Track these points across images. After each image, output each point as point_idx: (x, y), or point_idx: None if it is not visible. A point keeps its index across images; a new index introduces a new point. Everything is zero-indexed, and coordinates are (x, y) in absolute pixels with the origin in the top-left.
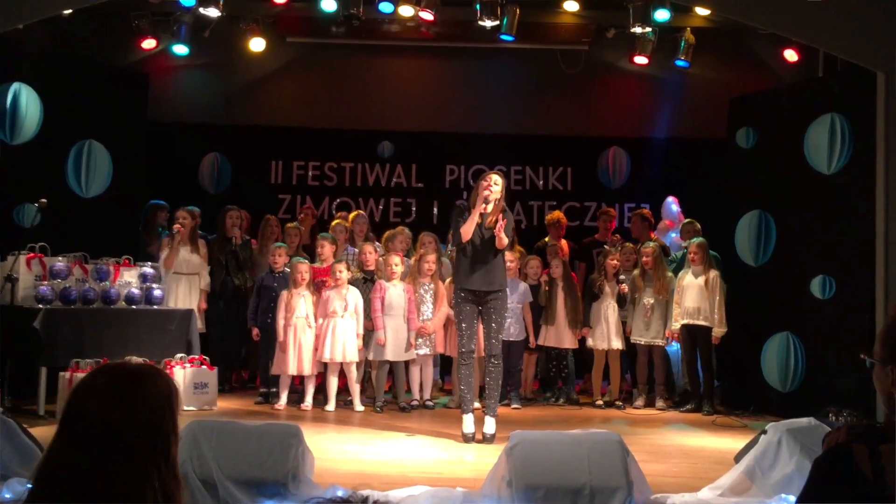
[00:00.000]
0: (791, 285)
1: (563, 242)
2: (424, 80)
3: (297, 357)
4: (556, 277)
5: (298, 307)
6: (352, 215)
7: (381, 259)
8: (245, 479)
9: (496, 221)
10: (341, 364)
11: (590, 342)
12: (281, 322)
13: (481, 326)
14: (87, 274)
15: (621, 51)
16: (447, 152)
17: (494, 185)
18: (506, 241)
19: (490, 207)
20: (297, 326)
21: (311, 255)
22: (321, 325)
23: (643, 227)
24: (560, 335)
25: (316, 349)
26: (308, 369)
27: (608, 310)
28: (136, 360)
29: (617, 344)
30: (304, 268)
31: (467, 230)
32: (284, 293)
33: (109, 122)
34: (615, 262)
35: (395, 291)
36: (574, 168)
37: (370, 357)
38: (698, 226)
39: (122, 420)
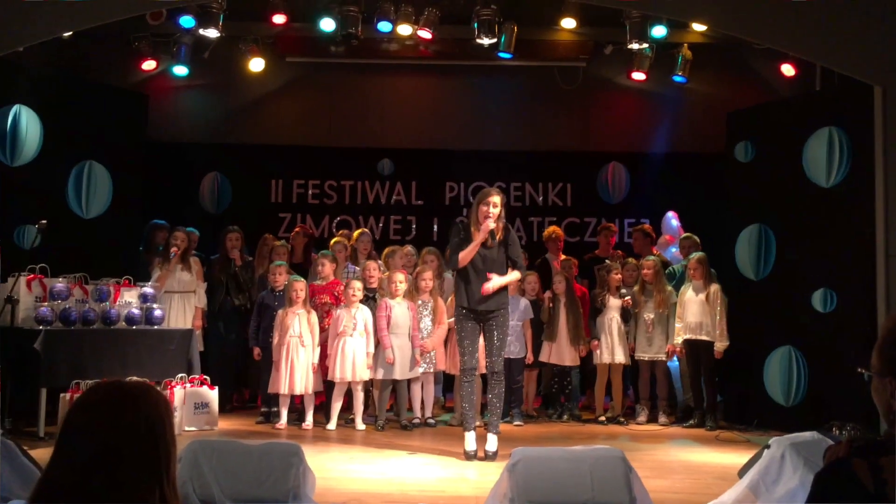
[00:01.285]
0: (792, 299)
1: (574, 262)
2: (423, 97)
3: (288, 376)
4: (559, 293)
5: (293, 326)
6: (356, 233)
7: (383, 277)
8: (246, 499)
9: (502, 239)
10: (347, 383)
11: (595, 357)
12: (274, 340)
13: (483, 343)
14: (88, 295)
15: (619, 67)
16: (447, 169)
17: (493, 208)
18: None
19: (492, 226)
20: (291, 345)
21: (304, 273)
22: (331, 344)
23: (645, 243)
24: (561, 352)
25: (327, 368)
26: (299, 388)
27: (611, 323)
28: (136, 379)
29: (620, 358)
30: (299, 286)
31: (465, 257)
32: (280, 312)
33: (110, 143)
34: (618, 276)
35: (399, 310)
36: (573, 184)
37: (378, 376)
38: (697, 240)
39: (121, 437)
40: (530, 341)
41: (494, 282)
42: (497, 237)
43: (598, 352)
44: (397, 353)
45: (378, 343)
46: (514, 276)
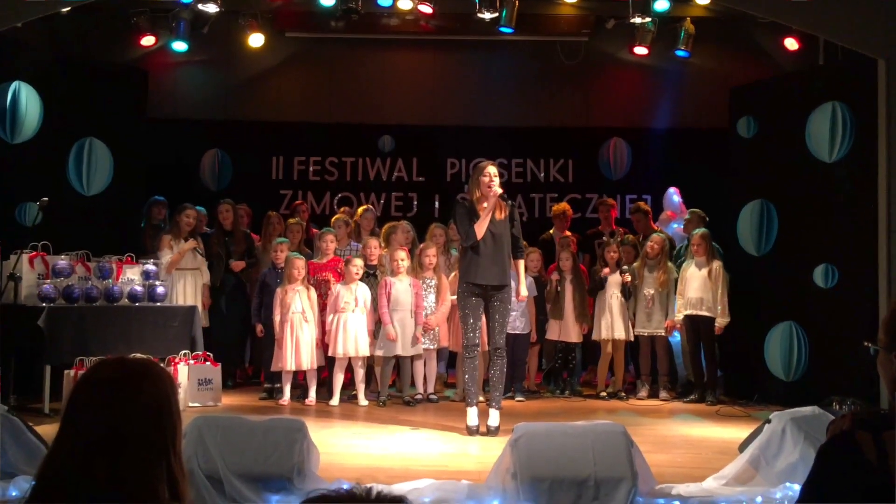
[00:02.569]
0: (794, 274)
1: (572, 238)
2: (424, 73)
3: (294, 352)
4: (565, 270)
5: (294, 303)
6: (360, 210)
7: (384, 254)
8: (250, 475)
9: (508, 214)
10: (348, 359)
11: (595, 332)
12: (277, 318)
13: (486, 320)
14: (90, 272)
15: (621, 41)
16: (448, 146)
17: (495, 177)
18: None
19: (499, 191)
20: (294, 322)
21: (309, 246)
22: (331, 321)
23: (646, 221)
24: (568, 329)
25: (326, 344)
26: (306, 364)
27: (612, 300)
28: (138, 356)
29: (621, 334)
30: (300, 263)
31: (480, 229)
32: (279, 290)
33: (110, 119)
34: (613, 254)
35: (401, 286)
36: (575, 160)
37: (379, 353)
38: (703, 215)
39: (128, 413)
40: (534, 317)
41: (522, 292)
42: (503, 212)
43: (597, 328)
44: (398, 330)
45: (379, 320)
46: (523, 281)
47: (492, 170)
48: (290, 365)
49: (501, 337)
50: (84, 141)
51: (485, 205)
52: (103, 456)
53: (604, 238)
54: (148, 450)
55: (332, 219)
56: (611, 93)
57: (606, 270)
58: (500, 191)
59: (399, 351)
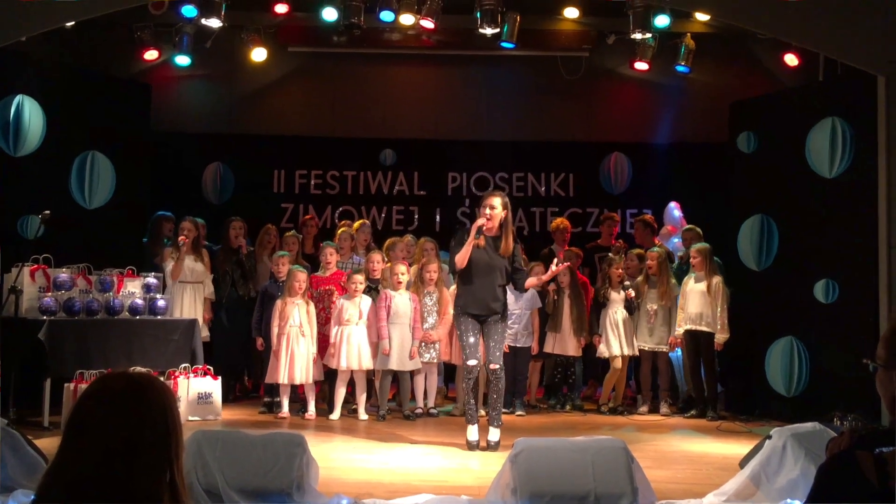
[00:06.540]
0: (794, 289)
1: (577, 250)
2: (426, 87)
3: (288, 366)
4: (564, 285)
5: (292, 316)
6: (356, 224)
7: (386, 268)
8: (249, 489)
9: (511, 253)
10: (350, 372)
11: (601, 351)
12: (275, 330)
13: (482, 339)
14: (91, 285)
15: (622, 57)
16: (449, 160)
17: (491, 208)
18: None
19: (485, 229)
20: (290, 335)
21: (314, 263)
22: (335, 334)
23: (646, 233)
24: (565, 343)
25: (325, 356)
26: (299, 378)
27: (616, 316)
28: (139, 369)
29: (627, 350)
30: (302, 276)
31: (461, 259)
32: (279, 302)
33: (112, 133)
34: (619, 270)
35: (401, 300)
36: (576, 174)
37: (376, 366)
38: (699, 231)
39: (136, 426)
40: (537, 331)
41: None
42: (505, 245)
43: (601, 347)
44: (397, 344)
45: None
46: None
47: (490, 201)
48: (284, 378)
49: (499, 355)
50: (86, 154)
51: (476, 234)
52: (111, 468)
53: (609, 255)
54: (154, 461)
55: (338, 231)
56: (611, 107)
57: (612, 291)
58: (483, 221)
59: (393, 365)
